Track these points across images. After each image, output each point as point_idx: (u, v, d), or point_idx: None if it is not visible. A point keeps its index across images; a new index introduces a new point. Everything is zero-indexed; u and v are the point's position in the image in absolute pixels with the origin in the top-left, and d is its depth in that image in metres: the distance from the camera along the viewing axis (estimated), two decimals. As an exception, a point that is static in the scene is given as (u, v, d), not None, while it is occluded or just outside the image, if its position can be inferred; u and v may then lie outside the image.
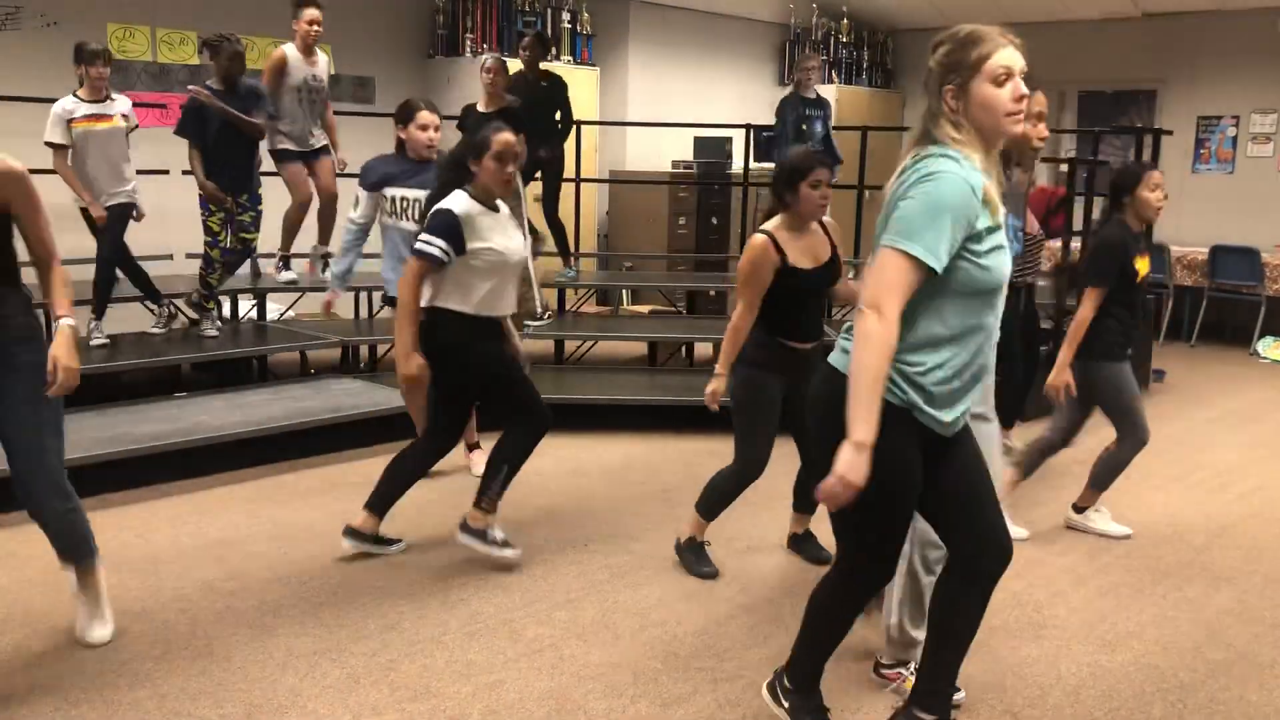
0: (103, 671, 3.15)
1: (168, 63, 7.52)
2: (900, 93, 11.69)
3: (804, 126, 7.62)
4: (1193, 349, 9.00)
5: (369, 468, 5.06)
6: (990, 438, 3.15)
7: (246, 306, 7.00)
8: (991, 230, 2.30)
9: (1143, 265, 4.34)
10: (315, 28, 6.18)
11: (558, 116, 7.08)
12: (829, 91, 10.83)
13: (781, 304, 3.74)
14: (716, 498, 3.98)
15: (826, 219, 3.82)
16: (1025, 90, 2.29)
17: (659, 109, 9.89)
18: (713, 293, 9.11)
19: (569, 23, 9.35)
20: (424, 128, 4.69)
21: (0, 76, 6.72)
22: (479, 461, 4.84)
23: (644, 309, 9.13)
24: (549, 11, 9.25)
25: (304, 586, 3.83)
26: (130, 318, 6.30)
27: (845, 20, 11.12)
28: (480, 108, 6.55)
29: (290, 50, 6.23)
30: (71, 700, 3.01)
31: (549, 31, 9.23)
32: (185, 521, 4.42)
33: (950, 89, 2.29)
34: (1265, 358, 8.79)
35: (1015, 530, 4.19)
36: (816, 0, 11.00)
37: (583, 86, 9.31)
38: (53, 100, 5.58)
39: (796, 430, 3.83)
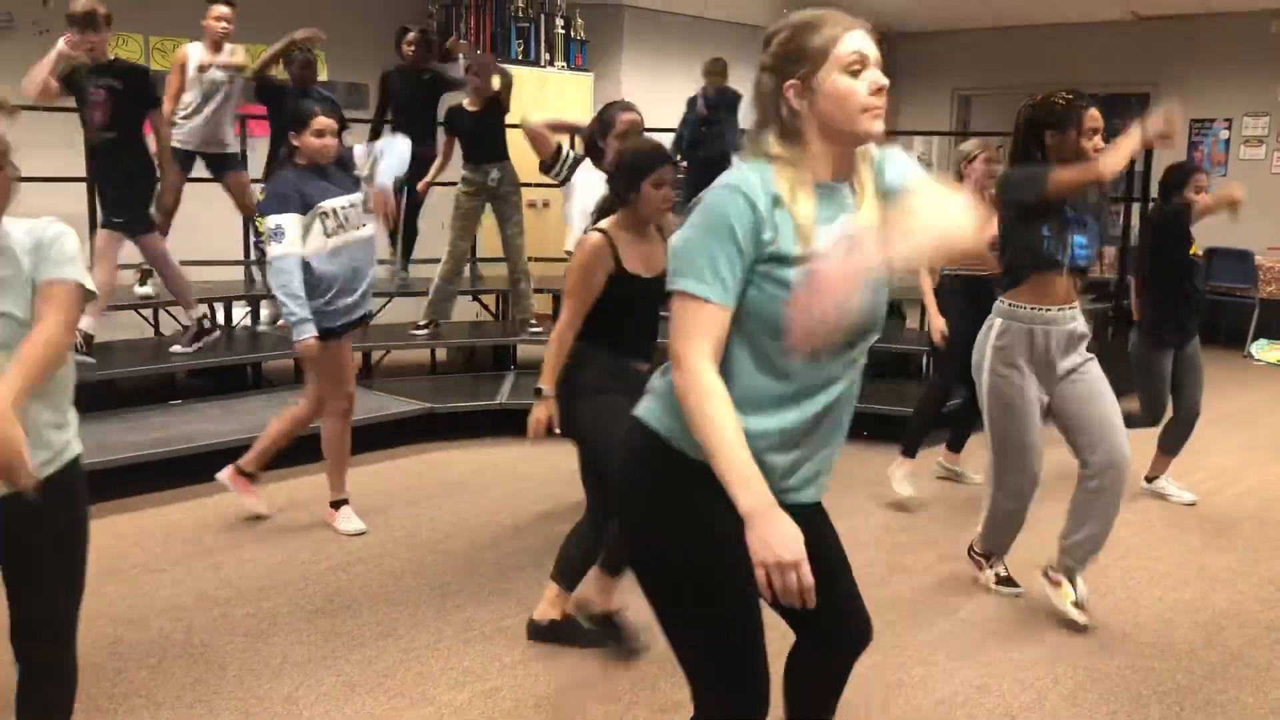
0: (98, 680, 3.14)
1: (161, 70, 7.51)
2: (894, 96, 11.68)
3: (702, 127, 7.77)
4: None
5: (363, 475, 5.06)
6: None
7: (240, 313, 6.98)
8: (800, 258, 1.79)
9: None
10: (223, 25, 5.97)
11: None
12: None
13: (612, 315, 3.25)
14: (579, 561, 3.35)
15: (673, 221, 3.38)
16: (884, 81, 1.86)
17: (652, 114, 9.87)
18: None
19: (562, 28, 9.36)
20: (320, 134, 4.13)
21: (-7, 84, 6.71)
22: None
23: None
24: (542, 17, 9.26)
25: (299, 594, 3.82)
26: (129, 324, 6.28)
27: (839, 25, 11.14)
28: (467, 106, 6.54)
29: (194, 48, 6.02)
30: (66, 710, 3.00)
31: (542, 36, 9.23)
32: (180, 529, 4.41)
33: (793, 84, 1.83)
34: (1259, 360, 8.81)
35: (1184, 494, 5.01)
36: (811, 5, 11.01)
37: (577, 92, 9.32)
38: (46, 108, 5.57)
39: None
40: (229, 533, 4.40)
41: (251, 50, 7.92)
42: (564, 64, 9.32)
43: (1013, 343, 3.54)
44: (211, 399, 5.77)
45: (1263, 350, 8.90)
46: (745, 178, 1.82)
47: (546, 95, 9.04)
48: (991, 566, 3.92)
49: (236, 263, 6.91)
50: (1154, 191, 5.43)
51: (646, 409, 1.97)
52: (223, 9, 5.97)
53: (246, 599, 3.77)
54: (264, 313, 6.80)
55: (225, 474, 4.53)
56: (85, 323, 5.42)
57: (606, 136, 3.93)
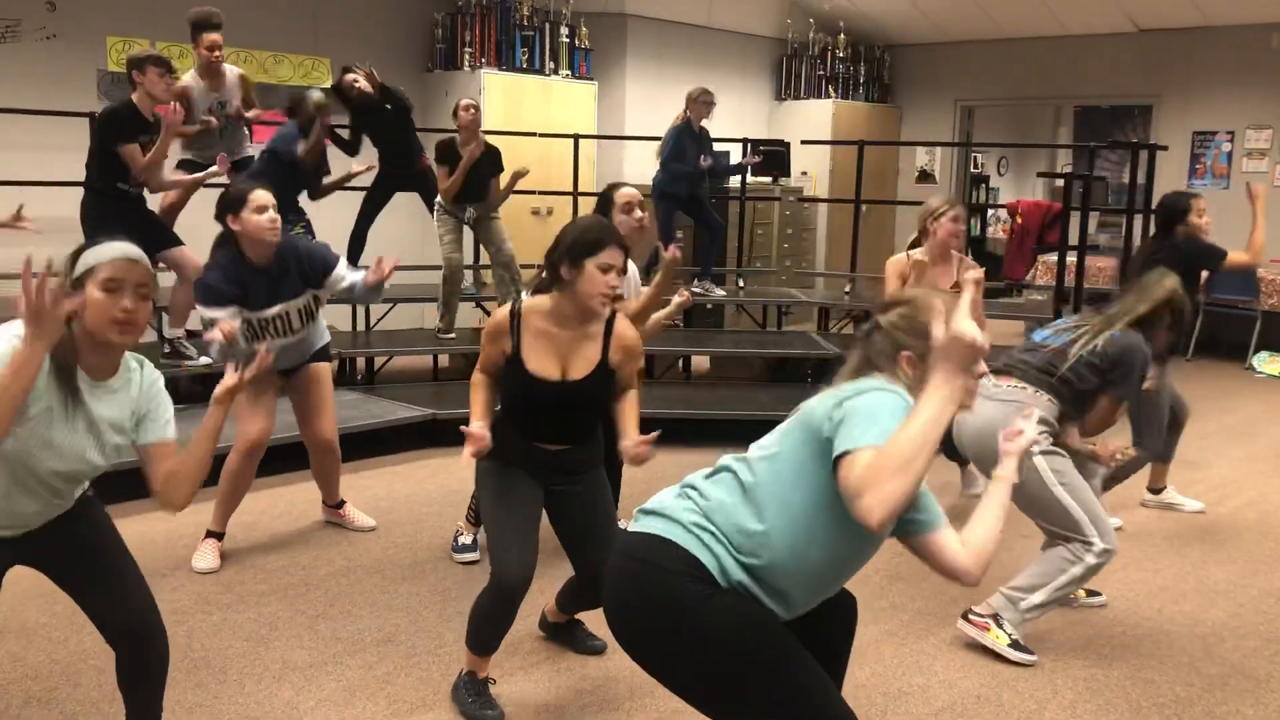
0: (99, 685, 3.14)
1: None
2: (897, 108, 11.72)
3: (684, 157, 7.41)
4: (1188, 364, 9.02)
5: (366, 480, 5.07)
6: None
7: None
8: None
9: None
10: (216, 53, 5.76)
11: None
12: (826, 106, 10.88)
13: (512, 401, 3.06)
14: (483, 625, 3.06)
15: (623, 315, 3.09)
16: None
17: (656, 123, 9.91)
18: (710, 305, 9.11)
19: (567, 37, 9.38)
20: (262, 209, 3.79)
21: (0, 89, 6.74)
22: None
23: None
24: (546, 26, 9.28)
25: (301, 599, 3.83)
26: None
27: (842, 35, 11.17)
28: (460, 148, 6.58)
29: (191, 79, 5.85)
30: (67, 714, 3.01)
31: (547, 45, 9.26)
32: (181, 534, 4.41)
33: (908, 356, 2.09)
34: (1261, 372, 8.81)
35: (1191, 502, 5.02)
36: (813, 15, 11.04)
37: (581, 100, 9.34)
38: (52, 113, 5.61)
39: (562, 531, 3.21)
40: (230, 538, 4.41)
41: (254, 58, 7.96)
42: (568, 72, 9.34)
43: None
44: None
45: (1264, 362, 8.90)
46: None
47: (551, 104, 9.08)
48: None
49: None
50: (1154, 201, 5.42)
51: (682, 537, 2.09)
52: (214, 36, 5.73)
53: (248, 604, 3.78)
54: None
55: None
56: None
57: (609, 213, 3.93)
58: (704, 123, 7.46)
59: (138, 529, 4.47)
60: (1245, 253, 5.05)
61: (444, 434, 5.67)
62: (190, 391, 6.19)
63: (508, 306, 3.03)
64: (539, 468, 3.09)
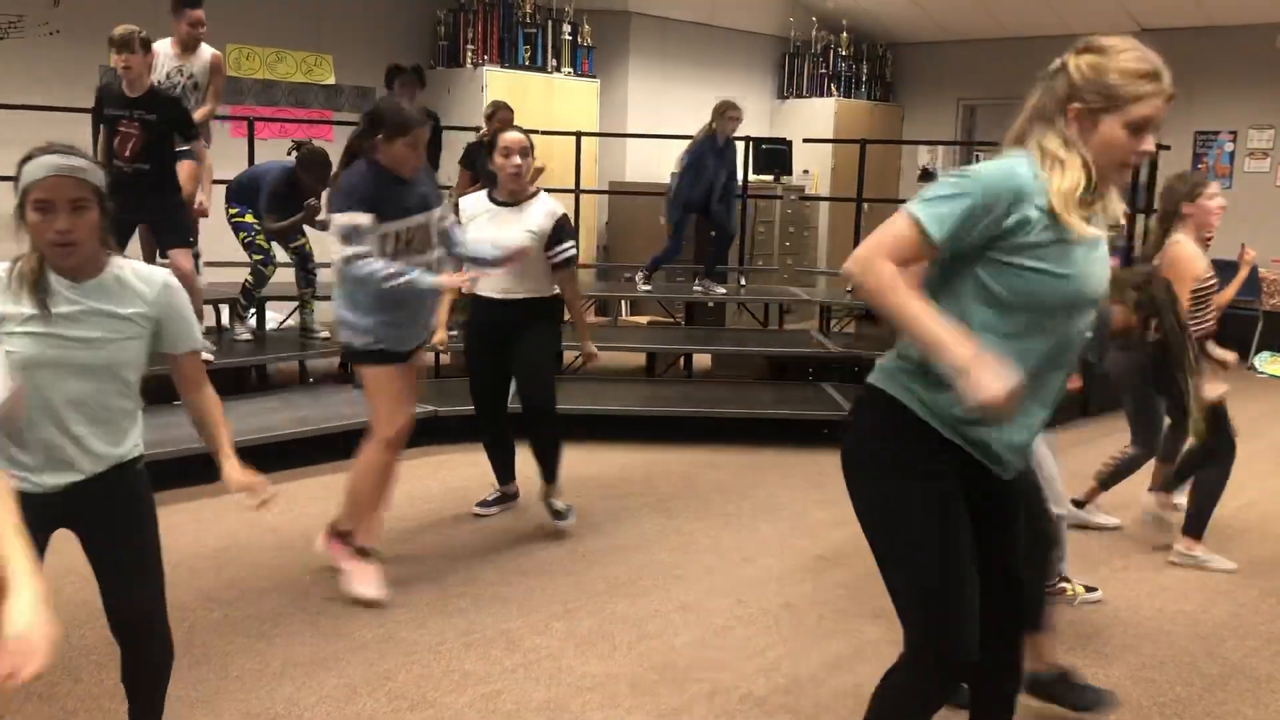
0: (100, 680, 3.15)
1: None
2: (899, 106, 11.72)
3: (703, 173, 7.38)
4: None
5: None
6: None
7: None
8: (1050, 241, 1.97)
9: None
10: (200, 29, 5.73)
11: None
12: (829, 105, 10.88)
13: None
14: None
15: None
16: (1151, 149, 2.02)
17: (659, 120, 9.92)
18: (711, 304, 9.11)
19: (570, 34, 9.38)
20: (413, 146, 3.70)
21: (2, 85, 6.74)
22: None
23: (643, 320, 9.14)
24: (549, 23, 9.29)
25: (302, 596, 3.83)
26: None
27: (845, 34, 11.16)
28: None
29: (162, 45, 5.70)
30: (69, 709, 3.01)
31: (550, 42, 9.26)
32: (183, 531, 4.42)
33: (1078, 108, 2.01)
34: (1262, 372, 8.81)
35: (1107, 519, 4.75)
36: (816, 13, 11.04)
37: (583, 98, 9.34)
38: (57, 109, 5.60)
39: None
40: (231, 534, 4.42)
41: (257, 54, 7.96)
42: (571, 70, 9.35)
43: None
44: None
45: (1266, 363, 8.90)
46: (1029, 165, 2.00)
47: (553, 102, 9.07)
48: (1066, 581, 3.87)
49: (239, 264, 6.92)
50: (1157, 201, 5.40)
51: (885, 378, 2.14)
52: (197, 13, 5.70)
53: (249, 600, 3.78)
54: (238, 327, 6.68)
55: (321, 540, 3.97)
56: None
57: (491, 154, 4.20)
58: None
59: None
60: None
61: (445, 430, 5.67)
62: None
63: None
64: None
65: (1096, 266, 2.06)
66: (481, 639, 3.52)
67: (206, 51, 5.87)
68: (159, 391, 5.95)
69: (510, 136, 4.27)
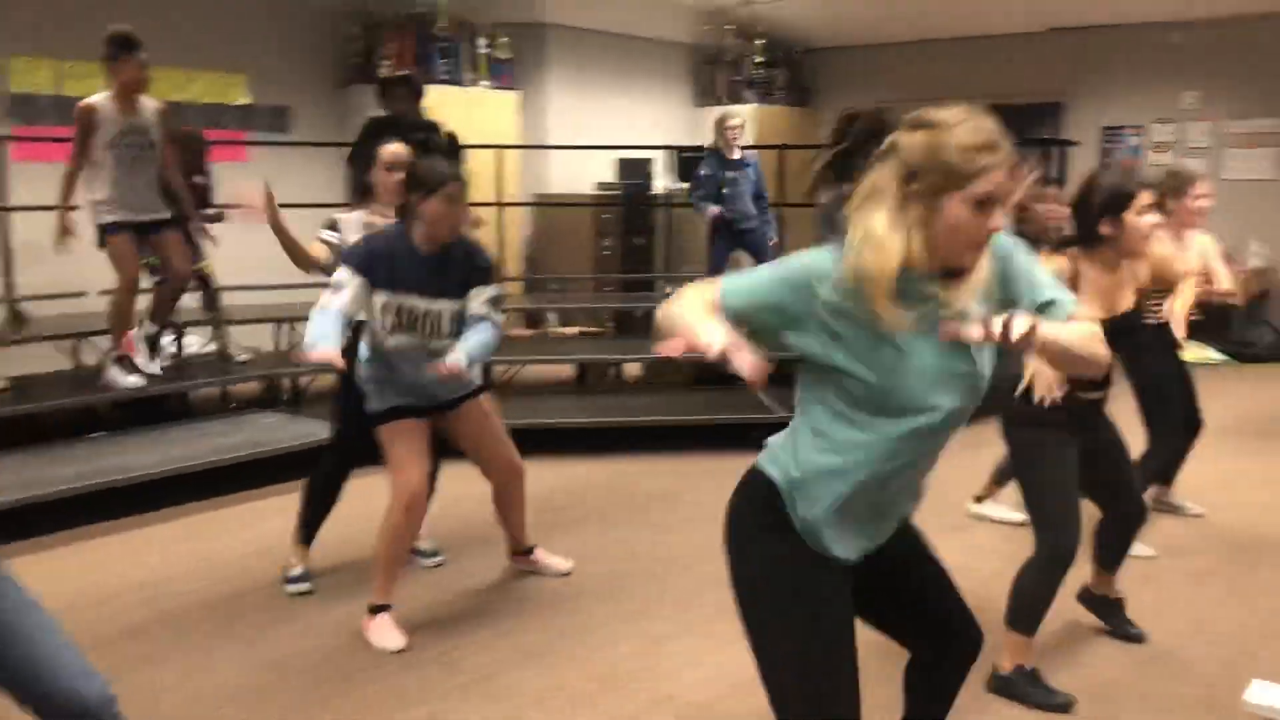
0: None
1: (74, 96, 7.35)
2: (817, 110, 11.86)
3: (724, 189, 7.37)
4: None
5: (295, 502, 4.98)
6: None
7: (164, 341, 6.85)
8: (853, 333, 1.85)
9: None
10: (143, 74, 5.26)
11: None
12: (747, 111, 10.97)
13: None
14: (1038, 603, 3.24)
15: None
16: (1001, 226, 1.83)
17: (580, 131, 9.92)
18: (639, 313, 9.13)
19: (486, 48, 9.34)
20: (453, 200, 3.54)
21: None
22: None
23: (572, 330, 9.13)
24: (466, 37, 9.24)
25: (235, 624, 3.75)
26: (45, 356, 6.12)
27: (760, 40, 11.27)
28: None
29: (100, 100, 5.25)
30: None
31: (467, 56, 9.21)
32: (108, 565, 4.30)
33: (917, 190, 1.82)
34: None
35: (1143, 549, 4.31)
36: (731, 21, 11.13)
37: (503, 111, 9.31)
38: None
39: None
40: (159, 566, 4.31)
41: (166, 76, 7.79)
42: (489, 83, 9.30)
43: None
44: (136, 431, 5.65)
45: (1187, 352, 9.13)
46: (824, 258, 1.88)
47: (473, 115, 9.02)
48: None
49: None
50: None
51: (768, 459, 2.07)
52: (142, 57, 5.25)
53: (180, 632, 3.70)
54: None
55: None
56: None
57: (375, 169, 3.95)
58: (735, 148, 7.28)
59: (57, 567, 4.36)
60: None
61: (374, 452, 5.59)
62: (110, 419, 6.04)
63: None
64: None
65: (926, 361, 1.87)
66: (420, 660, 3.48)
67: (150, 104, 5.45)
68: (74, 426, 5.81)
69: (390, 150, 4.03)
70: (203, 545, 4.57)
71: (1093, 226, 3.18)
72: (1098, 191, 3.19)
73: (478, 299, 3.60)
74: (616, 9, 10.21)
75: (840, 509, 1.96)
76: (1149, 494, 4.83)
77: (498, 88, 9.36)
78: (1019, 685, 3.20)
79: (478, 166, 8.24)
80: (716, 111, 7.30)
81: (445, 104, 8.77)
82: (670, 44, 10.98)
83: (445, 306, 3.57)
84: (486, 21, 9.36)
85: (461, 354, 3.45)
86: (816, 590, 1.99)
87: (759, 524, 2.03)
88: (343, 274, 3.49)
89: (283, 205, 6.89)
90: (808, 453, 1.98)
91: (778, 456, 2.05)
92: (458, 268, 3.58)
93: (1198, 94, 9.92)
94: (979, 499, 4.91)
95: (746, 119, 7.44)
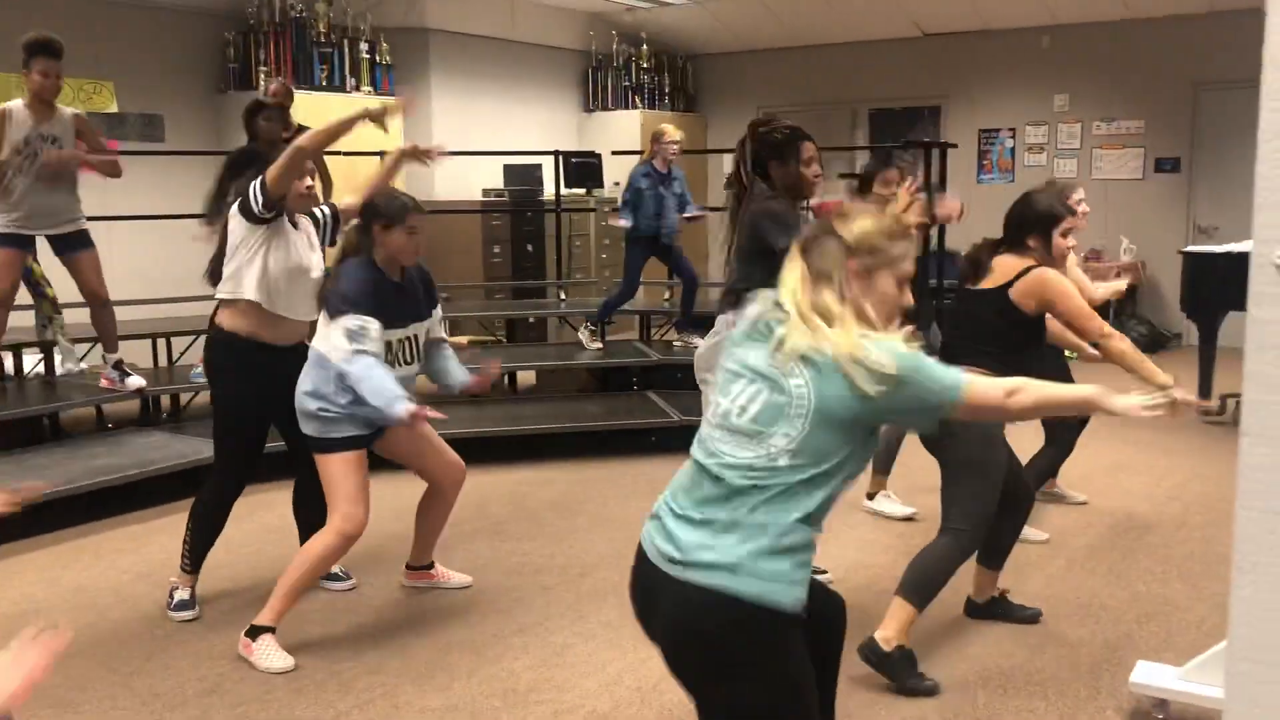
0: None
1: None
2: (703, 116, 11.95)
3: (659, 197, 7.16)
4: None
5: (177, 523, 4.80)
6: None
7: (32, 361, 6.55)
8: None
9: None
10: (51, 79, 5.05)
11: None
12: (634, 117, 11.00)
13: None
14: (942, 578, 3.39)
15: None
16: (910, 304, 2.18)
17: (465, 138, 9.81)
18: (532, 319, 9.07)
19: (367, 53, 9.18)
20: (414, 232, 3.64)
21: None
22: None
23: (463, 340, 9.00)
24: (345, 42, 9.06)
25: (113, 656, 3.58)
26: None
27: (645, 46, 11.31)
28: None
29: (15, 104, 5.11)
30: None
31: (346, 61, 9.03)
32: (-27, 598, 4.08)
33: (856, 269, 2.07)
34: (1072, 356, 9.33)
35: (1036, 534, 4.55)
36: (615, 27, 11.15)
37: (386, 118, 9.14)
38: None
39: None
40: (29, 597, 4.10)
41: (8, 80, 7.45)
42: (370, 89, 9.14)
43: None
44: (2, 455, 5.37)
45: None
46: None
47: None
48: None
49: (26, 307, 6.48)
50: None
51: (737, 581, 1.92)
52: (52, 63, 5.06)
53: (54, 667, 3.50)
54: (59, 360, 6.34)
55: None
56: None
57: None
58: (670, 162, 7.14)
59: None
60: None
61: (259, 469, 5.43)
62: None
63: None
64: None
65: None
66: (312, 683, 3.37)
67: (66, 112, 5.25)
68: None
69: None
70: (78, 573, 4.36)
71: (1022, 239, 3.47)
72: (1032, 207, 3.50)
73: (436, 319, 3.80)
74: (499, 15, 10.14)
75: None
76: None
77: (379, 94, 9.21)
78: (895, 664, 3.23)
79: (361, 173, 8.10)
80: (611, 117, 7.22)
81: (325, 110, 8.59)
82: (556, 50, 10.95)
83: (417, 329, 3.68)
84: (366, 27, 9.20)
85: (463, 371, 3.81)
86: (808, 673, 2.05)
87: (762, 647, 1.96)
88: (355, 320, 3.39)
89: (156, 216, 6.67)
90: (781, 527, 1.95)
91: (743, 564, 1.93)
92: (416, 287, 3.70)
93: (1067, 97, 10.29)
94: (870, 495, 4.99)
95: (683, 137, 7.37)
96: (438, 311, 3.82)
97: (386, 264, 3.58)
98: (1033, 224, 3.47)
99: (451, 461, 3.96)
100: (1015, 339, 3.41)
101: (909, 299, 2.14)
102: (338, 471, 3.54)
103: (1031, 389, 2.09)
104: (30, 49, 5.07)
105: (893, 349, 1.96)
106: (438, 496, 4.02)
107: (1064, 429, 4.78)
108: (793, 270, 2.09)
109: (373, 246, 3.57)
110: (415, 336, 3.67)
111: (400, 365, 3.59)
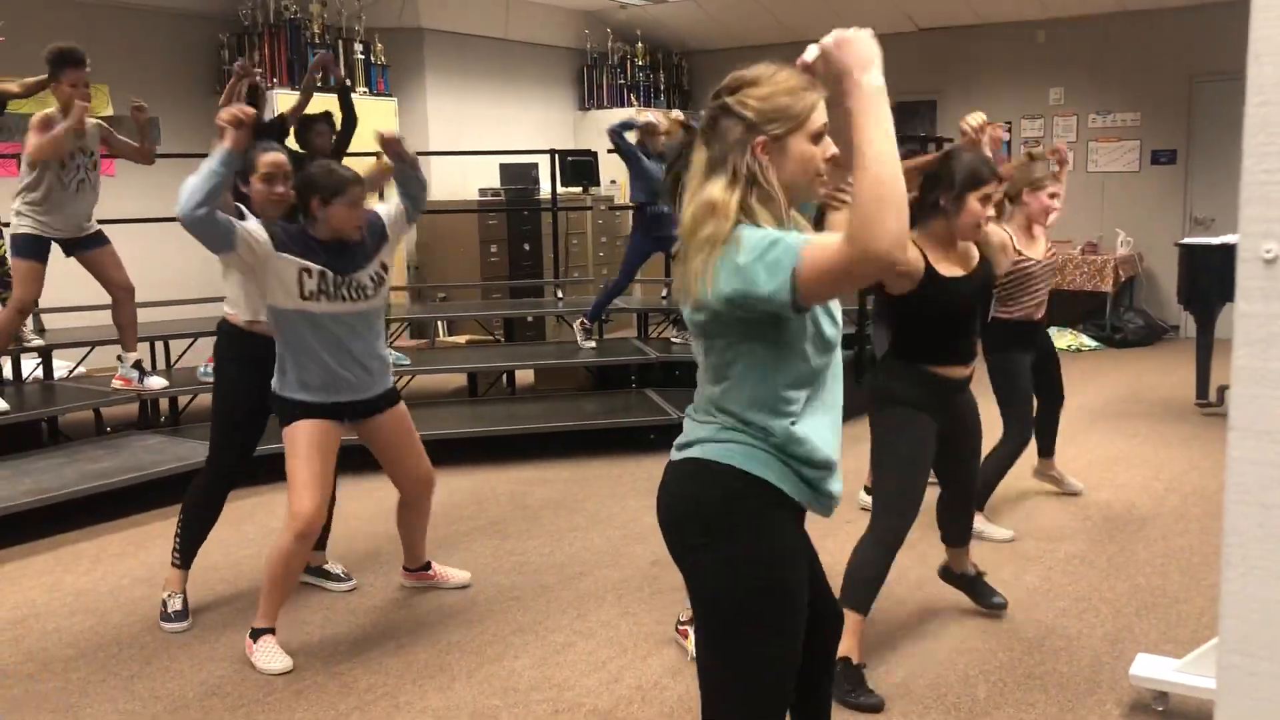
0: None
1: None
2: (697, 112, 11.95)
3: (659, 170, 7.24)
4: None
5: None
6: None
7: (30, 365, 6.55)
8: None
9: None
10: (81, 90, 5.09)
11: None
12: (629, 115, 10.99)
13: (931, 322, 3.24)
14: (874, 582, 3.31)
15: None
16: (835, 150, 1.97)
17: (461, 137, 9.83)
18: (530, 318, 9.08)
19: (362, 54, 9.18)
20: (355, 205, 3.49)
21: None
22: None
23: (461, 339, 9.02)
24: (340, 43, 9.06)
25: (113, 660, 3.59)
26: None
27: (640, 44, 11.31)
28: None
29: (55, 113, 5.13)
30: None
31: (341, 62, 9.03)
32: (-27, 603, 4.08)
33: (763, 141, 1.90)
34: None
35: (1000, 531, 4.57)
36: (610, 25, 11.15)
37: (381, 117, 9.15)
38: None
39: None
40: (30, 602, 4.11)
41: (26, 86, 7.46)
42: (366, 90, 9.14)
43: None
44: (1, 459, 5.37)
45: (1054, 337, 9.45)
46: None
47: (350, 122, 8.85)
48: None
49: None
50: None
51: (720, 450, 1.99)
52: (81, 72, 5.11)
53: (54, 671, 3.52)
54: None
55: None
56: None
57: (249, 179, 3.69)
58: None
59: (-78, 603, 4.11)
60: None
61: (257, 472, 5.44)
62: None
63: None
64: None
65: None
66: (313, 685, 3.37)
67: (90, 122, 5.29)
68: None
69: (268, 158, 3.74)
70: (77, 578, 4.37)
71: (936, 199, 3.17)
72: (952, 165, 3.18)
73: (389, 216, 3.68)
74: (494, 14, 10.14)
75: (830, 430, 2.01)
76: (1033, 467, 5.04)
77: (374, 94, 9.21)
78: (840, 676, 3.06)
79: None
80: (607, 115, 7.23)
81: (319, 110, 8.59)
82: (551, 48, 10.94)
83: (360, 276, 3.54)
84: (361, 28, 9.20)
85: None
86: (800, 591, 2.02)
87: (746, 513, 1.98)
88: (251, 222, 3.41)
89: (152, 219, 6.67)
90: (770, 403, 1.95)
91: (735, 434, 1.98)
92: (366, 243, 3.58)
93: (1062, 90, 10.29)
94: (869, 489, 4.98)
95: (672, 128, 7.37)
96: (385, 211, 3.69)
97: (330, 238, 3.47)
98: (950, 183, 3.15)
99: (426, 471, 3.92)
100: (912, 325, 3.25)
101: (830, 148, 1.95)
102: (293, 450, 3.48)
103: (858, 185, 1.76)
104: (57, 61, 5.08)
105: (733, 271, 1.83)
106: (410, 506, 4.01)
107: (1018, 422, 4.58)
108: (696, 166, 1.94)
109: (313, 224, 3.47)
110: (362, 280, 3.54)
111: (348, 301, 3.51)
